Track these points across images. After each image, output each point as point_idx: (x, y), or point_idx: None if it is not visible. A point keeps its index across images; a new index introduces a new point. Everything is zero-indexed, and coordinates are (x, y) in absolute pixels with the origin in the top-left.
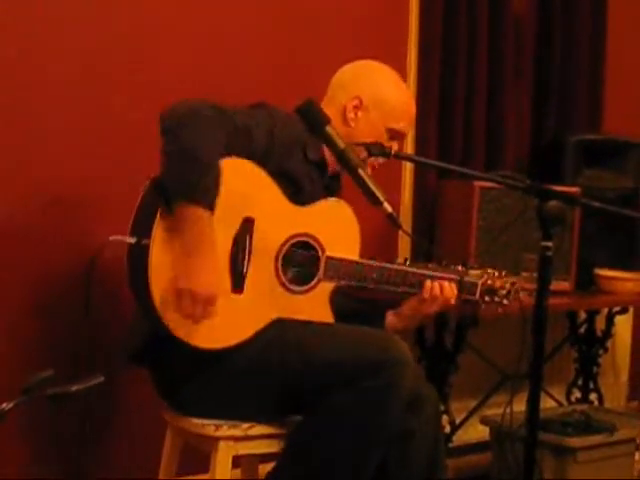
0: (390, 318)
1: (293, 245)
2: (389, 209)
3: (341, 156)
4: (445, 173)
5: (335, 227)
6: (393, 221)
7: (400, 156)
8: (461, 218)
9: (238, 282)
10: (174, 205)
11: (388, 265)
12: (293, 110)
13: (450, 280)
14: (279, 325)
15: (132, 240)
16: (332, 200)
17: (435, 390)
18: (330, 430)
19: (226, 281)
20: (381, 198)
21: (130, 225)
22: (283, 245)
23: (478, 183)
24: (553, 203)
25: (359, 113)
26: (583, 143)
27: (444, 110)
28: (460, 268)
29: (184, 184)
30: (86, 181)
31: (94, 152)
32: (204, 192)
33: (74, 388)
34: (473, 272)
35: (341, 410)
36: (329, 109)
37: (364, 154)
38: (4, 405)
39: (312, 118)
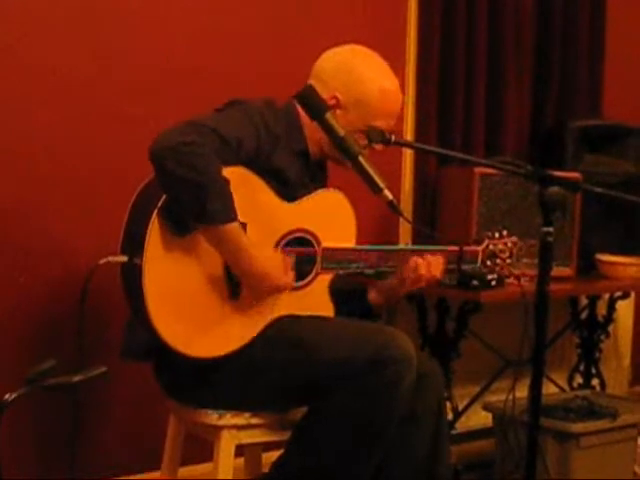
0: (372, 295)
1: (288, 243)
2: (390, 196)
3: (341, 144)
4: (445, 160)
5: (329, 217)
6: (394, 208)
7: (400, 143)
8: (462, 204)
9: (235, 289)
10: (199, 229)
11: (383, 247)
12: (293, 97)
13: (436, 253)
14: (281, 323)
15: (124, 259)
16: (323, 191)
17: (438, 366)
18: (333, 425)
19: (223, 289)
20: (381, 185)
21: (121, 241)
22: (278, 244)
23: (478, 169)
24: (554, 189)
25: (337, 111)
26: (584, 129)
27: (444, 97)
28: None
29: (198, 212)
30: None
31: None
32: (218, 214)
33: (76, 378)
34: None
35: (344, 406)
36: None
37: (364, 141)
38: (7, 396)
39: (312, 105)
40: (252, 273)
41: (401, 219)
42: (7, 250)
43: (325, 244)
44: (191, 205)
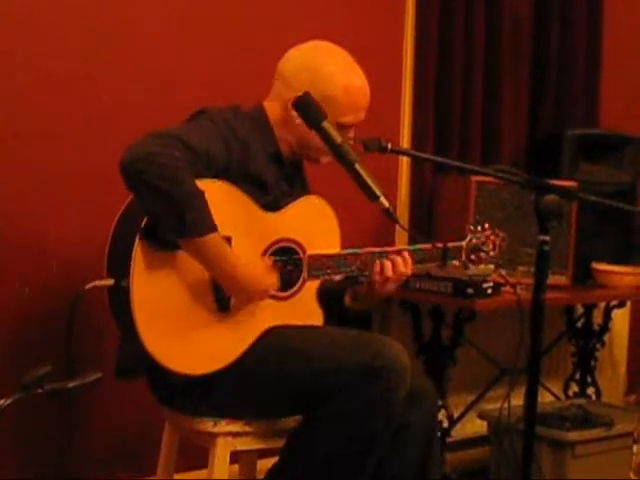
0: (347, 299)
1: (274, 253)
2: (386, 204)
3: (337, 151)
4: (442, 167)
5: (312, 224)
6: (390, 216)
7: (397, 151)
8: (458, 212)
9: (223, 303)
10: (179, 243)
11: (365, 250)
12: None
13: (402, 252)
14: (272, 334)
15: (110, 282)
16: (305, 198)
17: (434, 386)
18: (328, 433)
19: (211, 304)
20: (378, 193)
21: (106, 264)
22: (263, 256)
23: (475, 177)
24: (550, 197)
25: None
26: (580, 137)
27: (441, 104)
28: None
29: (177, 225)
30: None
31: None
32: (197, 225)
33: (72, 384)
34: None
35: (338, 415)
36: (273, 105)
37: (361, 148)
38: (2, 401)
39: (309, 113)
40: (237, 281)
41: (397, 226)
42: (2, 256)
43: (310, 251)
44: (168, 217)
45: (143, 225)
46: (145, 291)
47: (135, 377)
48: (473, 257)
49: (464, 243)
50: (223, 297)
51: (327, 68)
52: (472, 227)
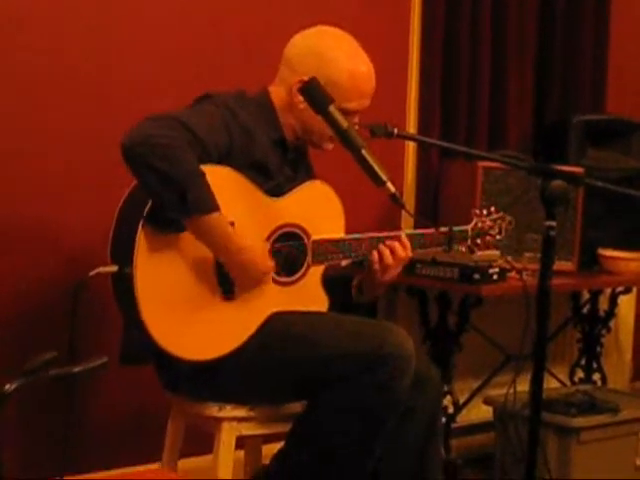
0: (354, 292)
1: (278, 239)
2: (392, 189)
3: (344, 136)
4: (448, 153)
5: (316, 209)
6: (396, 201)
7: (403, 136)
8: (464, 198)
9: (228, 288)
10: (183, 223)
11: (370, 234)
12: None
13: (399, 238)
14: (277, 319)
15: (114, 269)
16: (309, 183)
17: (439, 373)
18: (333, 420)
19: (215, 289)
20: (384, 178)
21: (109, 250)
22: (267, 240)
23: (481, 163)
24: (556, 183)
25: None
26: (587, 123)
27: (447, 90)
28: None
29: (179, 204)
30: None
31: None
32: (200, 203)
33: (77, 369)
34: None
35: (342, 403)
36: (278, 89)
37: (367, 134)
38: (7, 386)
39: (315, 98)
40: (240, 261)
41: (403, 212)
42: (7, 244)
43: (314, 237)
44: (171, 197)
45: (147, 210)
46: (149, 278)
47: (140, 363)
48: (479, 241)
49: (469, 227)
50: (227, 282)
51: (332, 53)
52: (477, 211)
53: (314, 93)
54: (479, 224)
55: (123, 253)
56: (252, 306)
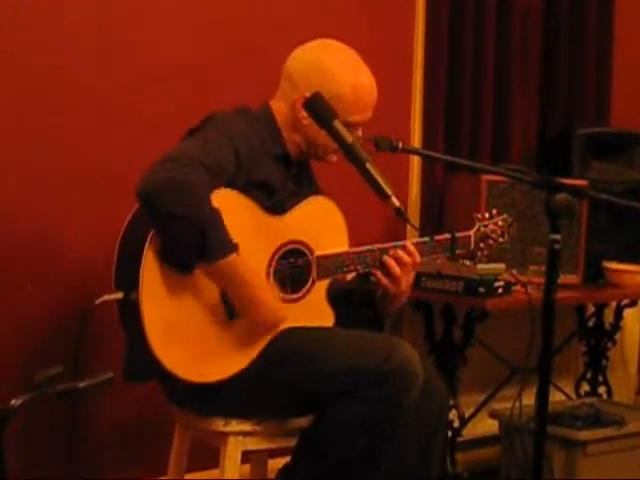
0: (379, 307)
1: (282, 256)
2: (396, 203)
3: (348, 150)
4: (452, 167)
5: (319, 224)
6: (400, 215)
7: (408, 150)
8: (468, 212)
9: (232, 311)
10: (199, 267)
11: (374, 246)
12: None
13: (405, 246)
14: (283, 336)
15: (119, 296)
16: (311, 199)
17: (446, 385)
18: (339, 435)
19: (220, 313)
20: (388, 192)
21: (114, 277)
22: (271, 260)
23: (485, 176)
24: (561, 196)
25: None
26: (591, 136)
27: (451, 104)
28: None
29: (200, 249)
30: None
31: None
32: (222, 244)
33: (82, 384)
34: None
35: (349, 417)
36: (280, 105)
37: (372, 148)
38: (13, 402)
39: (319, 113)
40: (254, 305)
41: (408, 226)
42: (14, 258)
43: (318, 252)
44: (190, 242)
45: (151, 239)
46: (155, 304)
47: (144, 380)
48: (482, 245)
49: (472, 232)
50: (232, 305)
51: (334, 67)
52: (480, 215)
53: (318, 108)
54: (481, 228)
55: (128, 279)
56: (256, 329)
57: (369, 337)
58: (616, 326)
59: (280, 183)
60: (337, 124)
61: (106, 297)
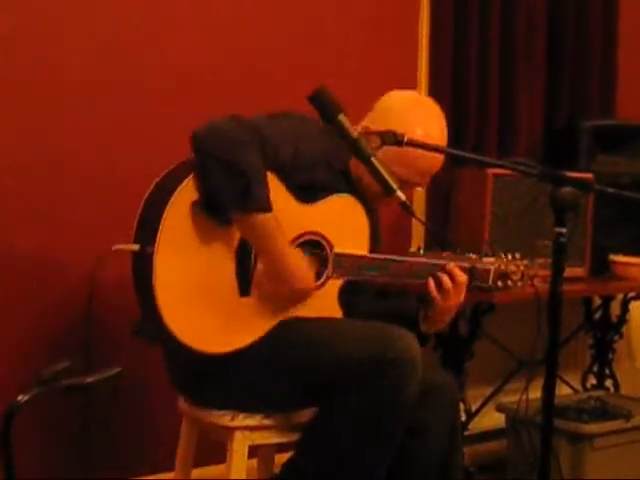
0: (422, 326)
1: (301, 244)
2: (402, 197)
3: (354, 145)
4: (458, 161)
5: (343, 223)
6: (406, 209)
7: (413, 144)
8: (475, 205)
9: (245, 286)
10: (233, 217)
11: (396, 257)
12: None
13: (455, 267)
14: (287, 324)
15: (135, 247)
16: (338, 195)
17: (453, 379)
18: (341, 425)
19: (233, 287)
20: (394, 186)
21: (134, 231)
22: (290, 245)
23: (491, 170)
24: (566, 189)
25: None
26: (597, 129)
27: (456, 97)
28: (473, 256)
29: (241, 197)
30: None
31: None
32: (261, 199)
33: (90, 380)
34: (486, 260)
35: (350, 408)
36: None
37: (377, 143)
38: (20, 397)
39: (324, 106)
40: (282, 268)
41: (414, 220)
42: (20, 254)
43: (337, 249)
44: (234, 189)
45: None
46: (169, 260)
47: (151, 339)
48: (500, 283)
49: (493, 268)
50: (245, 280)
51: (411, 118)
52: (502, 254)
53: (323, 101)
54: (502, 267)
55: (147, 233)
56: (267, 306)
57: (371, 326)
58: (623, 319)
59: (333, 186)
60: (342, 118)
61: (122, 246)
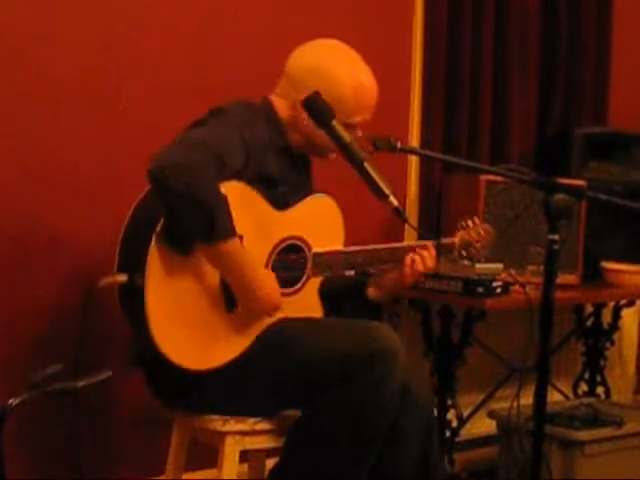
0: (371, 290)
1: (281, 251)
2: (395, 203)
3: (347, 150)
4: (451, 167)
5: (319, 222)
6: (399, 214)
7: (406, 150)
8: (467, 211)
9: (231, 301)
10: (199, 248)
11: (370, 247)
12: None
13: (426, 247)
14: (274, 326)
15: (123, 279)
16: (313, 197)
17: (427, 385)
18: (328, 426)
19: (220, 303)
20: (387, 192)
21: (117, 259)
22: (271, 254)
23: (484, 176)
24: (559, 196)
25: None
26: (589, 136)
27: (449, 104)
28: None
29: (207, 230)
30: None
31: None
32: (226, 227)
33: (81, 384)
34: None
35: (337, 405)
36: (281, 102)
37: (370, 148)
38: (11, 400)
39: (318, 112)
40: (251, 291)
41: (406, 225)
42: (15, 257)
43: (315, 249)
44: (196, 224)
45: (160, 226)
46: (159, 289)
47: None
48: (464, 253)
49: (456, 239)
50: (231, 298)
51: (335, 69)
52: (463, 224)
53: (316, 107)
54: (465, 237)
55: (133, 264)
56: (252, 318)
57: (353, 324)
58: (614, 326)
59: (283, 176)
60: (335, 123)
61: (110, 279)
